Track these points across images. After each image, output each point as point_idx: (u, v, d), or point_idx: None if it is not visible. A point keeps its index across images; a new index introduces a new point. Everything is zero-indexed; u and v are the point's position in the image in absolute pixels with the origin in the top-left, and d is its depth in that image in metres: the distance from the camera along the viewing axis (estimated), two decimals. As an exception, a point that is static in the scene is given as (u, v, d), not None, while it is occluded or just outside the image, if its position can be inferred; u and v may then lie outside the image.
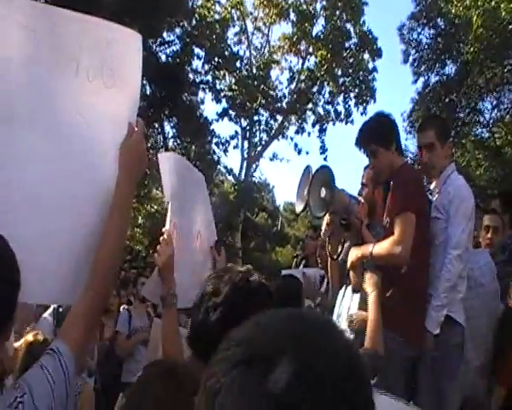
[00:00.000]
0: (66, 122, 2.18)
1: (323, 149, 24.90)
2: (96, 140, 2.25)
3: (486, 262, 4.17)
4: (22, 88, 2.06)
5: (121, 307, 7.27)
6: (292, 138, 25.51)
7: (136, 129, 2.28)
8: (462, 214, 3.63)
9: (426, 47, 19.32)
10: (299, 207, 3.72)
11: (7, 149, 2.02)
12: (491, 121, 19.63)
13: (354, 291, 3.82)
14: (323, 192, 3.54)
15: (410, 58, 19.70)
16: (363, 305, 3.62)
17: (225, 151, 24.25)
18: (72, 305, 1.98)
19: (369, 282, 3.24)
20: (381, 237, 3.54)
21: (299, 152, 25.22)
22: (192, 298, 3.60)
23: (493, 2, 15.05)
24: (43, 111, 2.11)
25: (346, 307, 3.86)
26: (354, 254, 3.56)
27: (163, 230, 2.91)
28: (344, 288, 3.96)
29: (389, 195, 3.57)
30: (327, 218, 3.81)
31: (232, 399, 0.68)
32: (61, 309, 4.99)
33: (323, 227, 3.95)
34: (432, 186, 3.92)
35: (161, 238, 2.85)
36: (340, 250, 3.93)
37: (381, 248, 3.42)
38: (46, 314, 5.27)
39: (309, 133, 25.47)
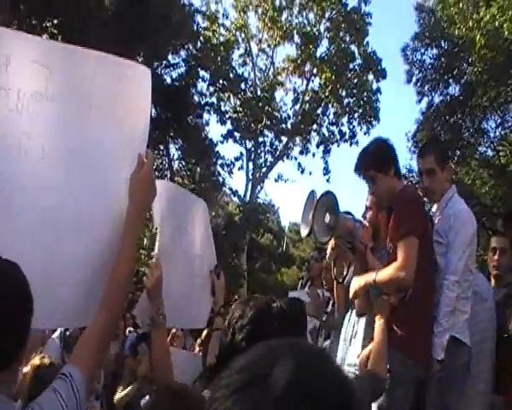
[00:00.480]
0: (79, 154, 2.26)
1: (327, 170, 25.03)
2: (107, 172, 2.33)
3: (484, 281, 4.28)
4: (36, 120, 2.14)
5: (127, 330, 7.28)
6: (296, 158, 25.65)
7: (145, 160, 2.34)
8: (461, 240, 3.65)
9: (429, 67, 19.40)
10: (304, 232, 3.74)
11: (23, 178, 2.10)
12: (496, 140, 19.66)
13: (358, 315, 3.82)
14: (328, 218, 3.56)
15: (414, 78, 19.76)
16: (368, 330, 3.63)
17: (230, 173, 24.45)
18: (82, 329, 2.05)
19: (378, 308, 3.25)
20: (386, 263, 3.55)
21: (303, 172, 25.37)
22: (191, 319, 3.67)
23: (496, 23, 15.15)
24: (57, 143, 2.20)
25: (349, 333, 3.88)
26: (357, 283, 3.56)
27: (152, 254, 3.00)
28: (350, 311, 3.97)
29: (391, 220, 3.58)
30: (332, 242, 3.83)
31: None
32: (68, 332, 5.02)
33: (328, 251, 3.97)
34: (433, 209, 3.96)
35: (150, 262, 2.93)
36: (345, 273, 3.94)
37: (385, 274, 3.42)
38: (53, 337, 5.29)
39: (313, 154, 25.64)
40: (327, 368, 0.79)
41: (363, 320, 3.80)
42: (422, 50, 19.57)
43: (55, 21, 14.88)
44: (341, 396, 0.74)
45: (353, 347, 3.87)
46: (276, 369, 0.74)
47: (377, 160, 3.65)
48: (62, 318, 2.26)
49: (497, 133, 19.58)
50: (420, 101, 19.94)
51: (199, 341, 5.73)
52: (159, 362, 2.81)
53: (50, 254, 2.13)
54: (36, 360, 3.47)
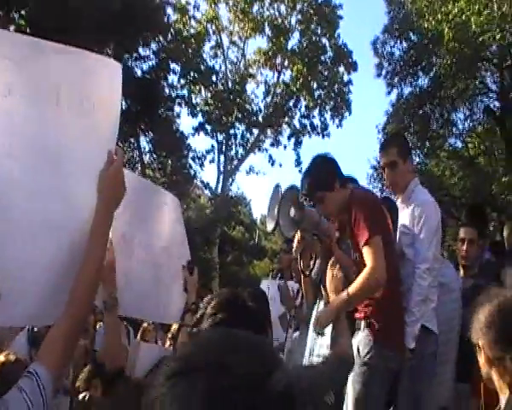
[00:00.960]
0: (45, 151, 2.21)
1: (298, 162, 25.11)
2: (75, 169, 2.29)
3: (452, 271, 4.43)
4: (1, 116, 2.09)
5: (97, 325, 7.19)
6: (267, 151, 25.69)
7: (115, 157, 2.30)
8: (427, 230, 3.72)
9: (399, 60, 19.58)
10: (270, 226, 3.74)
11: None
12: (465, 131, 19.96)
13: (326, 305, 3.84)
14: (293, 212, 3.57)
15: (384, 71, 19.93)
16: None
17: (202, 165, 24.34)
18: (49, 327, 2.01)
19: (330, 289, 3.24)
20: (355, 274, 3.52)
21: (273, 164, 25.43)
22: (159, 313, 3.65)
23: (464, 16, 15.32)
24: (22, 140, 2.15)
25: None
26: (335, 308, 3.27)
27: None
28: (318, 302, 3.99)
29: (351, 231, 3.58)
30: (297, 234, 3.84)
31: (165, 408, 0.75)
32: (35, 329, 4.95)
33: (295, 244, 3.97)
34: (398, 202, 4.01)
35: None
36: (312, 266, 3.96)
37: (358, 284, 3.36)
38: (21, 334, 5.21)
39: (285, 146, 25.75)
40: (257, 356, 0.82)
41: None
42: (392, 43, 19.72)
43: (23, 12, 14.64)
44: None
45: (322, 338, 3.89)
46: (207, 358, 0.79)
47: (321, 181, 3.66)
48: (27, 315, 2.21)
49: (466, 125, 19.89)
50: (389, 93, 20.13)
51: (169, 335, 5.70)
52: (111, 345, 2.82)
53: (15, 253, 2.09)
54: (1, 357, 3.41)
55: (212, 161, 24.88)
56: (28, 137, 2.16)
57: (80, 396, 4.65)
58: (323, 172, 3.68)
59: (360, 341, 3.55)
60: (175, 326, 4.55)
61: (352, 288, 3.33)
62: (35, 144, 2.18)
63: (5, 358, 3.40)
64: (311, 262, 3.95)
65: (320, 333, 3.42)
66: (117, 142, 2.46)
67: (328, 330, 3.75)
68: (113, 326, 2.84)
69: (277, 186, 3.73)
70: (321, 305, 3.90)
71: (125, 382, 2.59)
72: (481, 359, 2.16)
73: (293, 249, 4.03)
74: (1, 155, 2.08)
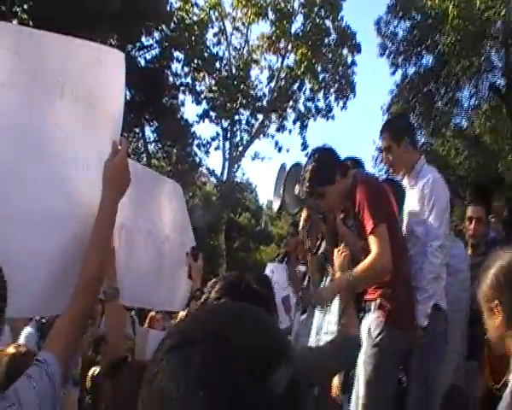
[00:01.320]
0: (51, 142, 2.23)
1: (305, 146, 25.02)
2: (80, 159, 2.32)
3: (461, 251, 4.38)
4: (5, 108, 2.09)
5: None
6: (273, 136, 25.60)
7: (119, 147, 2.32)
8: (437, 208, 3.71)
9: (402, 39, 19.43)
10: (275, 205, 3.76)
11: None
12: (470, 110, 19.81)
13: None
14: (297, 189, 3.56)
15: (387, 51, 19.78)
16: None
17: (207, 153, 24.35)
18: (57, 317, 2.05)
19: (337, 266, 3.24)
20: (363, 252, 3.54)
21: (280, 150, 25.34)
22: (163, 301, 3.65)
23: (468, -7, 15.20)
24: (28, 132, 2.16)
25: None
26: (336, 286, 3.36)
27: None
28: (324, 280, 4.01)
29: (355, 217, 3.58)
30: (304, 213, 3.84)
31: (162, 382, 0.74)
32: (44, 320, 4.98)
33: (301, 223, 3.98)
34: (404, 182, 4.02)
35: None
36: (318, 244, 3.96)
37: (362, 269, 3.36)
38: (29, 325, 5.25)
39: (290, 131, 25.63)
40: (261, 329, 0.79)
41: None
42: (395, 23, 19.56)
43: (25, 6, 14.63)
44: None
45: (329, 315, 3.91)
46: (205, 330, 0.77)
47: (321, 176, 3.62)
48: (35, 306, 2.26)
49: (471, 103, 19.73)
50: (394, 73, 20.00)
51: (175, 322, 5.73)
52: (111, 335, 2.82)
53: (22, 243, 2.11)
54: (11, 349, 3.44)
55: (217, 148, 24.90)
56: (31, 128, 2.17)
57: (90, 373, 4.68)
58: (323, 166, 3.63)
59: (371, 322, 3.57)
60: (182, 314, 4.57)
61: (356, 271, 3.33)
62: (38, 136, 2.19)
63: (16, 350, 3.44)
64: (318, 242, 3.95)
65: (320, 306, 3.42)
66: (122, 132, 2.47)
67: (336, 307, 3.76)
68: (114, 316, 2.83)
69: (283, 165, 3.73)
70: (327, 282, 3.93)
71: (129, 366, 2.60)
72: (496, 320, 2.05)
73: (300, 228, 4.04)
74: (2, 145, 2.09)
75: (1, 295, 1.74)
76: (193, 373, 0.71)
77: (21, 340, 4.79)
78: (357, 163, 4.17)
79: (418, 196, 3.80)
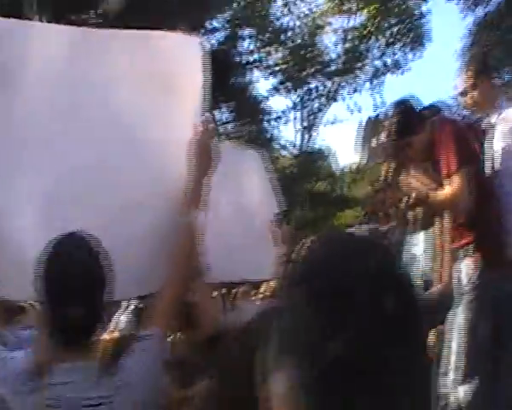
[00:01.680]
0: (131, 131, 2.38)
1: (382, 103, 24.17)
2: (162, 145, 2.42)
3: None
4: (83, 101, 2.28)
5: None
6: (344, 99, 24.90)
7: (202, 128, 2.42)
8: None
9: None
10: (362, 160, 3.81)
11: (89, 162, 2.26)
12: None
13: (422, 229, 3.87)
14: (376, 141, 3.60)
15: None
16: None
17: (282, 124, 24.16)
18: (154, 297, 2.19)
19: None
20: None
21: (359, 110, 24.35)
22: (251, 271, 3.65)
23: None
24: (110, 123, 2.33)
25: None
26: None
27: None
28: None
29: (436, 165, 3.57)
30: (385, 166, 3.88)
31: (286, 318, 0.69)
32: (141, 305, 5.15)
33: (383, 175, 3.98)
34: (486, 122, 3.92)
35: None
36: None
37: (440, 196, 3.45)
38: (122, 310, 5.43)
39: (361, 91, 24.79)
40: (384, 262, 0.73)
41: (421, 235, 3.85)
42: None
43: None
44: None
45: (414, 246, 3.94)
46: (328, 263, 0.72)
47: (407, 127, 3.66)
48: (131, 288, 2.39)
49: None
50: (465, 17, 19.13)
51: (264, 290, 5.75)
52: (203, 313, 2.86)
53: (124, 228, 2.28)
54: (105, 336, 3.64)
55: (289, 121, 24.55)
56: (116, 120, 2.33)
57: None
58: (407, 117, 3.67)
59: (467, 267, 3.51)
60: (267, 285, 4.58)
61: (435, 195, 3.42)
62: (121, 126, 2.35)
63: (109, 336, 3.66)
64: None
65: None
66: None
67: (421, 239, 3.77)
68: (203, 293, 2.87)
69: (369, 118, 3.79)
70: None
71: (227, 337, 2.68)
72: None
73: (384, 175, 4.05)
74: (90, 139, 2.25)
75: (109, 281, 1.89)
76: (311, 307, 0.66)
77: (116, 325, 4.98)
78: (436, 110, 4.14)
79: (507, 132, 3.69)
